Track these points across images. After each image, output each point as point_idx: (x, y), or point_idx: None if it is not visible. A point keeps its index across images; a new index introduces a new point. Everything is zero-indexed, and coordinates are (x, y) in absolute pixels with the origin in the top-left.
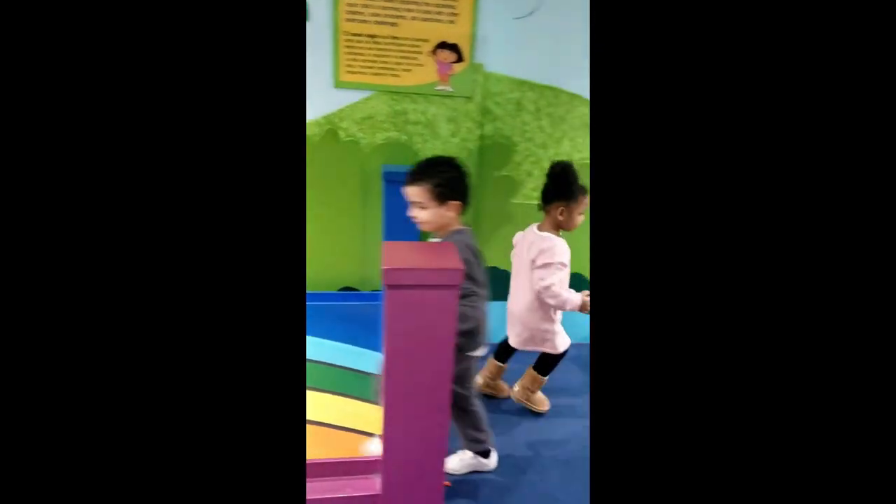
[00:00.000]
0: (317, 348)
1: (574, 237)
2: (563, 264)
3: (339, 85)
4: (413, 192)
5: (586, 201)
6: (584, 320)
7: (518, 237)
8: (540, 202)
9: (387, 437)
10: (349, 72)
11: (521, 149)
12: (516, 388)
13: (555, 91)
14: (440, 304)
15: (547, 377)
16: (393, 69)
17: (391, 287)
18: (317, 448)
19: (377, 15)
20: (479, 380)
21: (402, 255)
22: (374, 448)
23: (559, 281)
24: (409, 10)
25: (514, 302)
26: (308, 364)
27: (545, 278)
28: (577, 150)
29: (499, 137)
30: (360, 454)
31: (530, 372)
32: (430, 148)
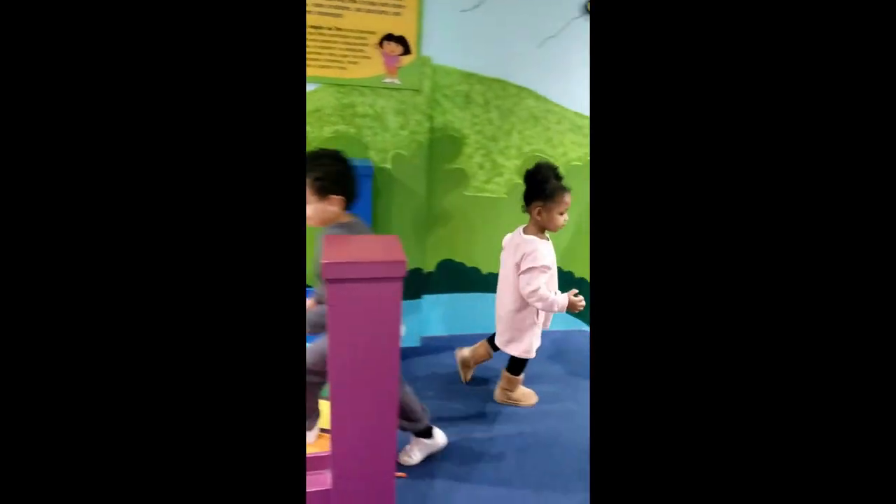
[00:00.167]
0: None
1: (565, 237)
2: (547, 267)
3: None
4: None
5: (566, 200)
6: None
7: (507, 239)
8: (522, 204)
9: (335, 432)
10: None
11: (471, 141)
12: (497, 391)
13: (502, 83)
14: (383, 296)
15: (521, 375)
16: (339, 61)
17: (332, 281)
18: None
19: (320, 6)
20: (465, 351)
21: (342, 248)
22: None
23: (544, 284)
24: (353, 2)
25: (499, 304)
26: None
27: (531, 283)
28: (527, 143)
29: (449, 130)
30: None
31: (504, 374)
32: (380, 140)
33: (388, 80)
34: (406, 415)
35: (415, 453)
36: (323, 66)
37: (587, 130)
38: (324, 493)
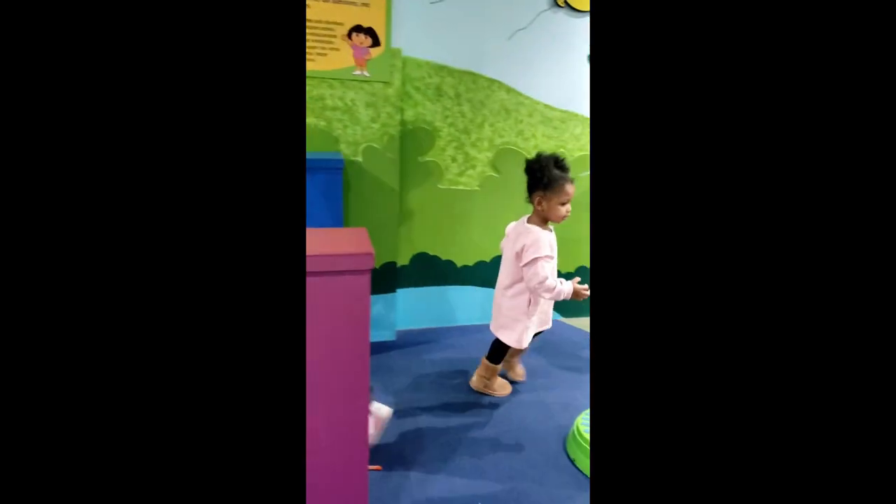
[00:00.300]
0: None
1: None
2: (550, 257)
3: None
4: None
5: (568, 190)
6: None
7: (510, 227)
8: (526, 196)
9: (308, 425)
10: None
11: (444, 134)
12: (474, 378)
13: (473, 76)
14: (352, 289)
15: (500, 365)
16: (307, 53)
17: None
18: None
19: None
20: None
21: (309, 241)
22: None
23: (551, 273)
24: None
25: (497, 290)
26: None
27: (538, 273)
28: (499, 135)
29: (421, 122)
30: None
31: (483, 361)
32: (351, 133)
33: (357, 73)
34: None
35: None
36: None
37: (557, 123)
38: None
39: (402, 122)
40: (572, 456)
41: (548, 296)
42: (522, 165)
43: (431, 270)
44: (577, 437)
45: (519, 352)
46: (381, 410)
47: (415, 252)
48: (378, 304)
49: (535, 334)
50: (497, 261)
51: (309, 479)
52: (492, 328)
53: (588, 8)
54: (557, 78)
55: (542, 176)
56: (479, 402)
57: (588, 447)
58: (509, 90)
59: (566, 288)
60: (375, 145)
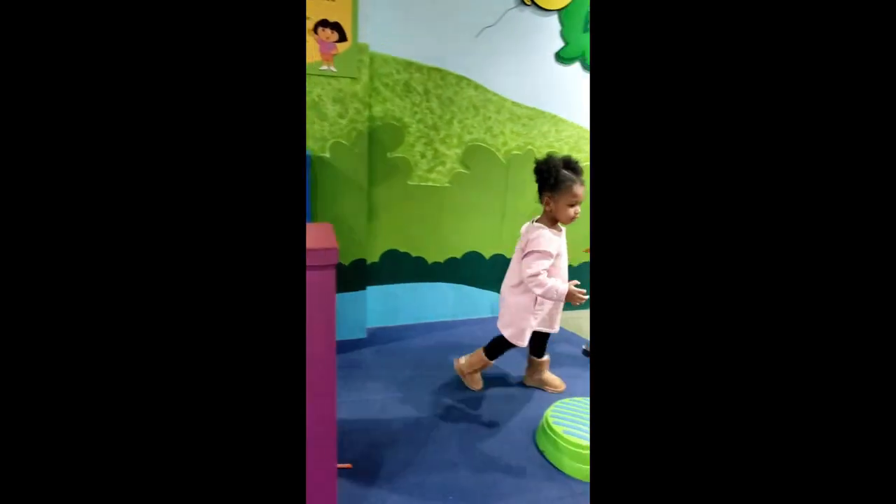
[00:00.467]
0: None
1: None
2: (549, 253)
3: None
4: None
5: (576, 192)
6: None
7: (523, 227)
8: (537, 196)
9: None
10: None
11: (413, 130)
12: (462, 360)
13: (441, 72)
14: (317, 284)
15: (493, 362)
16: None
17: None
18: None
19: None
20: (525, 381)
21: None
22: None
23: (545, 271)
24: None
25: (504, 286)
26: None
27: (531, 266)
28: (468, 132)
29: (389, 119)
30: None
31: (479, 351)
32: (318, 129)
33: (324, 68)
34: None
35: None
36: None
37: (525, 120)
38: None
39: (371, 118)
40: (542, 448)
41: (539, 291)
42: (492, 162)
43: (402, 267)
44: (546, 429)
45: (544, 365)
46: None
47: (385, 249)
48: (348, 301)
49: (543, 336)
50: (469, 258)
51: None
52: (499, 326)
53: (554, 6)
54: (524, 76)
55: (550, 177)
56: (450, 398)
57: (556, 438)
58: (477, 87)
59: (560, 287)
60: (343, 141)
